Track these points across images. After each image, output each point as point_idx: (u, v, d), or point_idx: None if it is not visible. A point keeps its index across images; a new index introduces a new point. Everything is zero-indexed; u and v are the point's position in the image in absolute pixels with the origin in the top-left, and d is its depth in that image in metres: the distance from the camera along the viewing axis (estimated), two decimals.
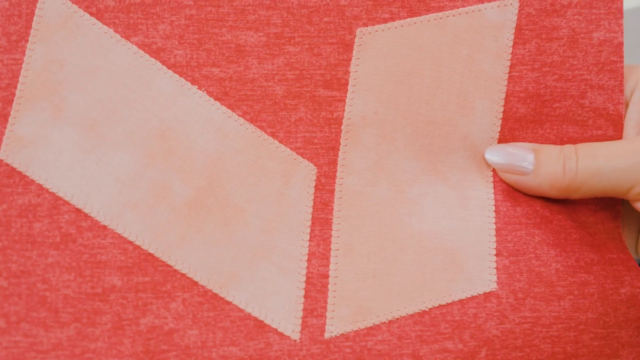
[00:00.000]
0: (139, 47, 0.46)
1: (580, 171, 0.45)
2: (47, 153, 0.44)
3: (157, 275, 0.44)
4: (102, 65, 0.45)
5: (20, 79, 0.45)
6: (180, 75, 0.46)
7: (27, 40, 0.45)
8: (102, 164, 0.44)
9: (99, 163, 0.44)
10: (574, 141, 0.48)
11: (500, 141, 0.48)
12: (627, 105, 0.49)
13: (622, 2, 0.49)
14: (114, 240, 0.44)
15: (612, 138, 0.49)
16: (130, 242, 0.44)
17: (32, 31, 0.45)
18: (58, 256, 0.43)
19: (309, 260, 0.45)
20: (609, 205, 0.49)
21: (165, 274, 0.44)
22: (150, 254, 0.44)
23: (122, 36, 0.46)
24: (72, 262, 0.43)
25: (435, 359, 0.44)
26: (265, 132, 0.46)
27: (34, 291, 0.43)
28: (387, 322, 0.45)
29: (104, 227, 0.44)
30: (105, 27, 0.46)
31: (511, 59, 0.48)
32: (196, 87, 0.46)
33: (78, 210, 0.44)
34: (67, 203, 0.44)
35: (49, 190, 0.44)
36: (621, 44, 0.49)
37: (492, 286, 0.46)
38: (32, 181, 0.44)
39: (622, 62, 0.49)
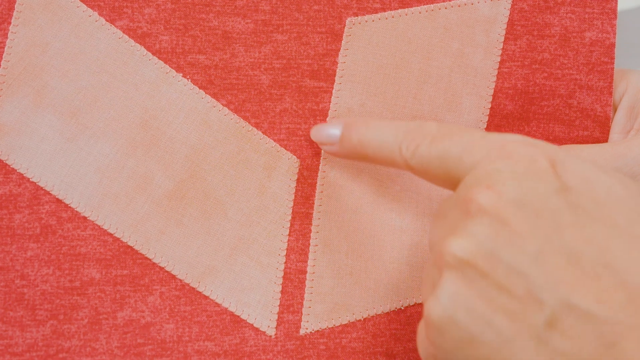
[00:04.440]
0: (123, 32, 0.45)
1: None
2: (28, 141, 0.44)
3: (135, 268, 0.44)
4: (85, 50, 0.45)
5: (2, 63, 0.44)
6: (165, 62, 0.45)
7: (9, 23, 0.44)
8: (83, 153, 0.44)
9: (80, 152, 0.44)
10: (559, 140, 0.48)
11: None
12: (615, 110, 0.49)
13: (616, 3, 0.48)
14: (93, 232, 0.44)
15: (597, 140, 0.48)
16: (110, 234, 0.44)
17: (14, 13, 0.44)
18: (37, 249, 0.43)
19: (287, 255, 0.46)
20: None
21: (144, 267, 0.44)
22: (129, 247, 0.44)
23: (106, 20, 0.45)
24: (51, 255, 0.43)
25: (409, 358, 0.45)
26: (249, 122, 0.46)
27: (12, 288, 0.43)
28: (362, 319, 0.46)
29: (84, 218, 0.44)
30: (90, 10, 0.45)
31: (501, 55, 0.48)
32: (181, 74, 0.45)
33: (58, 201, 0.44)
34: (47, 193, 0.44)
35: (30, 179, 0.44)
36: (613, 45, 0.48)
37: None
38: (13, 170, 0.44)
39: (613, 63, 0.48)
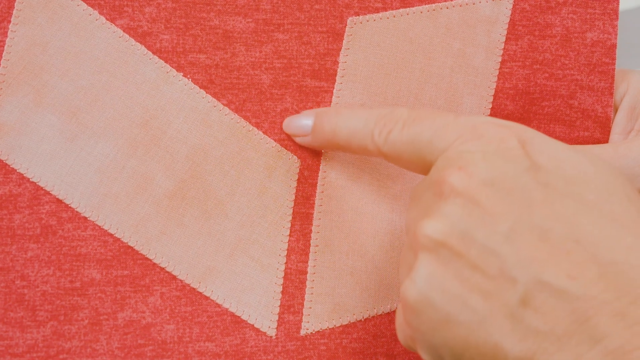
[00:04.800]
0: (124, 31, 0.45)
1: None
2: (28, 141, 0.44)
3: (136, 269, 0.44)
4: (85, 49, 0.44)
5: (2, 62, 0.44)
6: (166, 61, 0.45)
7: (9, 21, 0.44)
8: (84, 153, 0.44)
9: (80, 152, 0.44)
10: (560, 141, 0.48)
11: None
12: (616, 111, 0.49)
13: (618, 3, 0.48)
14: (94, 232, 0.44)
15: (598, 141, 0.48)
16: (110, 235, 0.44)
17: (14, 11, 0.44)
18: (38, 250, 0.43)
19: (288, 255, 0.46)
20: None
21: (144, 267, 0.44)
22: (129, 247, 0.44)
23: (107, 18, 0.45)
24: (51, 256, 0.43)
25: (410, 359, 0.45)
26: (250, 122, 0.46)
27: (12, 289, 0.43)
28: (362, 320, 0.46)
29: (85, 218, 0.44)
30: (90, 8, 0.45)
31: (502, 55, 0.48)
32: (181, 74, 0.45)
33: (59, 201, 0.44)
34: (47, 193, 0.44)
35: (30, 179, 0.44)
36: (614, 45, 0.48)
37: None
38: (13, 170, 0.43)
39: (614, 64, 0.48)
